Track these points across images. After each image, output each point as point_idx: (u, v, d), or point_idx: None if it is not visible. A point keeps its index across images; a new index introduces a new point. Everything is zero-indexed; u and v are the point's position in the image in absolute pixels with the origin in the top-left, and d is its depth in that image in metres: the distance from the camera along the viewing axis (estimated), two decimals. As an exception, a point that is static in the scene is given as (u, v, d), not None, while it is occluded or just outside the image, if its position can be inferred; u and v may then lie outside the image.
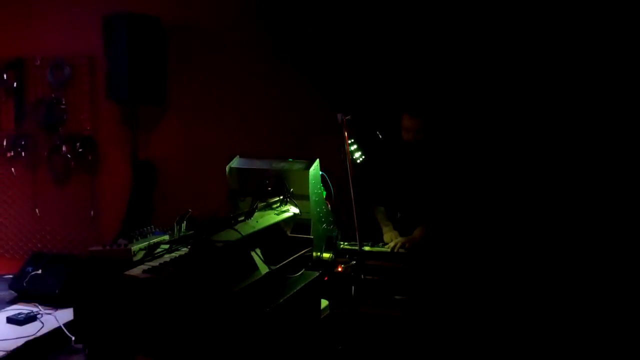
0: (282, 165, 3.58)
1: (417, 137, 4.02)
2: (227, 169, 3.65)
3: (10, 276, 5.16)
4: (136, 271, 2.62)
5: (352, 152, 3.90)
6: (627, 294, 4.03)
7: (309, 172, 3.48)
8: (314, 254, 3.46)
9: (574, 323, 3.97)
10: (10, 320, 4.30)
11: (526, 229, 4.30)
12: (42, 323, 4.28)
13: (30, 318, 4.33)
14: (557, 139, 4.28)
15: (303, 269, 3.20)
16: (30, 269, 4.98)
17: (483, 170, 4.36)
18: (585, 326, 3.94)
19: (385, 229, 4.17)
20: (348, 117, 3.74)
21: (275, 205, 3.36)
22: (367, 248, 3.97)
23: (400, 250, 3.94)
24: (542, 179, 4.32)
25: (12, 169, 5.83)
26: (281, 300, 2.83)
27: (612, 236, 4.15)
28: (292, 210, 3.42)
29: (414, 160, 4.11)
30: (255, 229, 2.98)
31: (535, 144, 4.33)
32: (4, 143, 5.74)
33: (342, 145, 3.76)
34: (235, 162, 3.69)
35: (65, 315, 4.33)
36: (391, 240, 4.04)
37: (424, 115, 4.02)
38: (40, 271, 4.94)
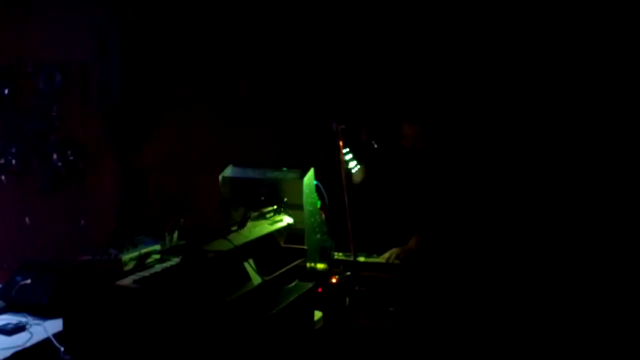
0: (275, 174, 3.55)
1: (416, 145, 4.02)
2: (220, 177, 3.62)
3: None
4: (127, 281, 2.59)
5: (347, 162, 3.89)
6: (626, 297, 4.02)
7: (303, 181, 3.45)
8: (308, 264, 3.43)
9: (569, 331, 3.96)
10: (-2, 330, 4.24)
11: (524, 239, 4.29)
12: (31, 333, 4.20)
13: (18, 328, 4.25)
14: (557, 147, 4.29)
15: (297, 280, 3.17)
16: (19, 278, 4.91)
17: (481, 179, 4.36)
18: (583, 337, 3.93)
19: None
20: (343, 126, 3.73)
21: (268, 215, 3.33)
22: (361, 259, 3.93)
23: (395, 261, 3.92)
24: (540, 188, 4.32)
25: (2, 176, 5.77)
26: (274, 312, 2.81)
27: (609, 252, 4.16)
28: (286, 220, 3.39)
29: (412, 167, 4.10)
30: (248, 239, 2.95)
31: (534, 153, 4.33)
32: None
33: (337, 154, 3.74)
34: (229, 171, 3.65)
35: (55, 325, 4.27)
36: (386, 250, 4.02)
37: (423, 123, 4.03)
38: (29, 281, 4.85)
